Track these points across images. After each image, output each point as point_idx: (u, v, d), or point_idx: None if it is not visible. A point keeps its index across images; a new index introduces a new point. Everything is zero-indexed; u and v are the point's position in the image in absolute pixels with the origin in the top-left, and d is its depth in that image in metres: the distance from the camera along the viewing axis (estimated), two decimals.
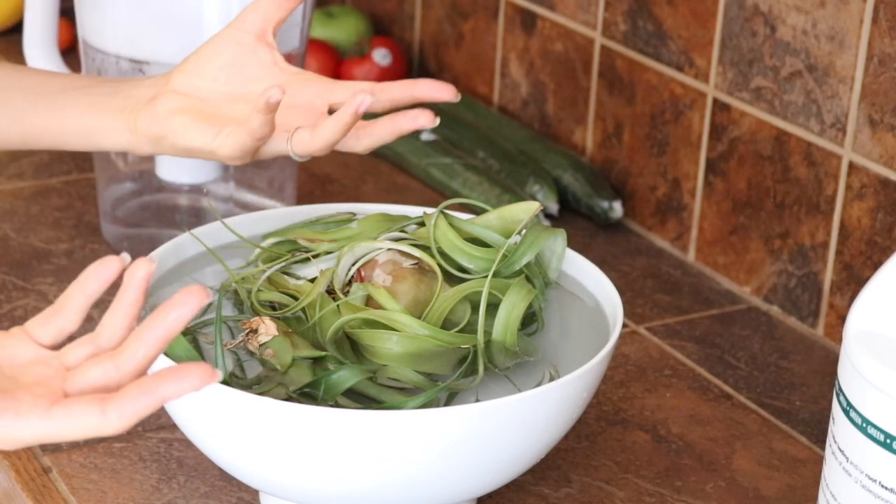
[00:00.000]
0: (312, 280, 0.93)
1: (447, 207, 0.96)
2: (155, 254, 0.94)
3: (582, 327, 0.93)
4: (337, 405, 0.83)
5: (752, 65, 1.21)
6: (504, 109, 1.52)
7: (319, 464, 0.81)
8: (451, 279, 0.92)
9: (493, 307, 0.90)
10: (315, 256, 0.94)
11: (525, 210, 0.95)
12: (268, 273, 0.93)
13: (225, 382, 0.84)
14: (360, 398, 0.85)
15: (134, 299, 0.71)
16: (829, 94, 1.15)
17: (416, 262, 0.92)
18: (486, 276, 0.90)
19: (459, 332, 0.88)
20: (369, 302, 0.90)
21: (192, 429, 0.85)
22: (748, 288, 1.25)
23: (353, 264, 0.92)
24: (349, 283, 0.92)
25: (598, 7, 1.36)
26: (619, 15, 1.34)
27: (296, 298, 0.91)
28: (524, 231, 0.94)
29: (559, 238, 0.96)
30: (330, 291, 0.91)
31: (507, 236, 0.94)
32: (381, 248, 0.92)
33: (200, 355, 0.86)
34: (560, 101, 1.44)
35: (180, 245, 0.96)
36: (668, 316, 1.21)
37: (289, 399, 0.82)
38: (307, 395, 0.84)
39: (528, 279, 0.93)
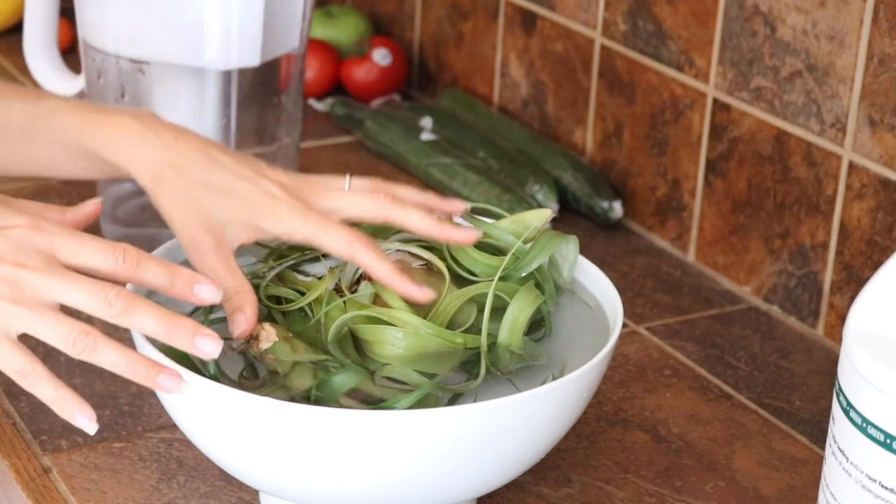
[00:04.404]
0: (321, 278, 0.93)
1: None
2: (159, 251, 0.94)
3: (582, 327, 0.93)
4: (338, 405, 0.83)
5: (752, 65, 1.21)
6: (504, 109, 1.52)
7: (319, 464, 0.81)
8: (459, 282, 0.92)
9: (500, 311, 0.90)
10: (325, 255, 0.94)
11: (538, 217, 0.95)
12: (278, 269, 0.93)
13: (221, 381, 0.84)
14: (363, 397, 0.85)
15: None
16: (829, 94, 1.15)
17: (424, 263, 0.92)
18: (494, 279, 0.90)
19: (464, 332, 0.88)
20: (376, 301, 0.90)
21: (192, 429, 0.85)
22: (748, 288, 1.25)
23: None
24: (357, 281, 0.92)
25: (598, 7, 1.36)
26: (619, 15, 1.34)
27: (303, 294, 0.91)
28: (534, 237, 0.94)
29: (571, 244, 0.95)
30: (338, 289, 0.91)
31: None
32: (390, 249, 0.92)
33: (201, 360, 0.86)
34: (560, 101, 1.44)
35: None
36: (668, 316, 1.21)
37: (290, 401, 0.82)
38: (308, 398, 0.84)
39: (538, 285, 0.92)
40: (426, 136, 1.43)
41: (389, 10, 1.69)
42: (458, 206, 0.94)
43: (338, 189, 0.92)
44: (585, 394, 0.86)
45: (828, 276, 1.17)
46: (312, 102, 1.60)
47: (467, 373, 0.87)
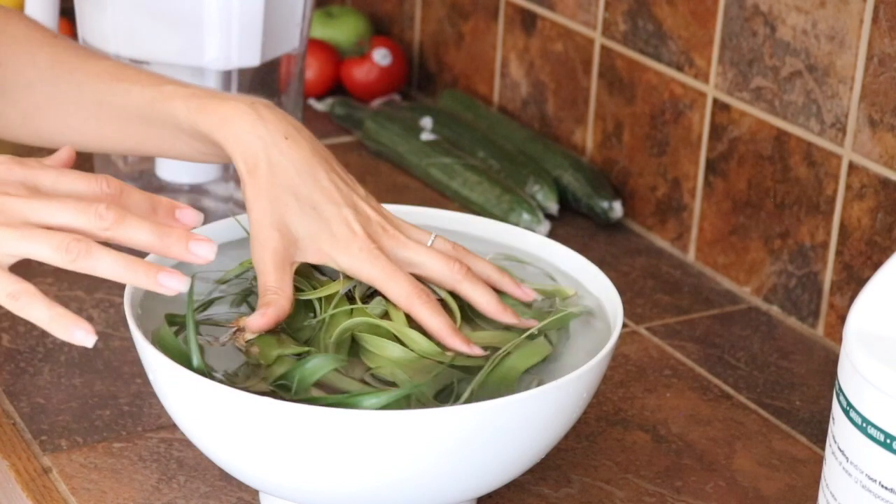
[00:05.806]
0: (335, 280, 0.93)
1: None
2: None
3: (582, 327, 0.93)
4: (312, 399, 0.83)
5: (752, 65, 1.21)
6: (504, 109, 1.52)
7: (319, 464, 0.81)
8: (469, 322, 0.92)
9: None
10: None
11: (562, 295, 0.96)
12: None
13: (206, 374, 0.84)
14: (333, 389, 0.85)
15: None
16: (829, 94, 1.15)
17: (439, 299, 0.92)
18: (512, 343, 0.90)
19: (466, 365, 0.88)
20: (384, 318, 0.90)
21: (192, 429, 0.85)
22: (748, 288, 1.25)
23: None
24: (372, 294, 0.92)
25: (598, 7, 1.36)
26: (619, 15, 1.34)
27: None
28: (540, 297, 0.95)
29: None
30: (349, 295, 0.92)
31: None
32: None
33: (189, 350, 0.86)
34: (560, 101, 1.44)
35: None
36: (668, 316, 1.21)
37: (269, 392, 0.82)
38: (283, 387, 0.84)
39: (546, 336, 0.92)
40: (426, 136, 1.43)
41: (389, 10, 1.69)
42: (530, 294, 0.94)
43: (419, 243, 0.93)
44: (585, 394, 0.86)
45: (828, 276, 1.17)
46: (312, 102, 1.60)
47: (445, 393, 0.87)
